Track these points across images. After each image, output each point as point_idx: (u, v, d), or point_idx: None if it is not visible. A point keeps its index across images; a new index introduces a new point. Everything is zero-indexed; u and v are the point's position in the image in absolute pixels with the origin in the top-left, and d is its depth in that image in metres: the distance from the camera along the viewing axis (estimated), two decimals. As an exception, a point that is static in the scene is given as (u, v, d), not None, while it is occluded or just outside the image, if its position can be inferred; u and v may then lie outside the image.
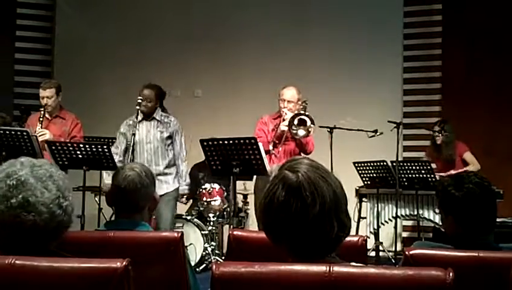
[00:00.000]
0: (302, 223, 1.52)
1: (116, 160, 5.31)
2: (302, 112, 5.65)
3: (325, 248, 1.56)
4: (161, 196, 5.31)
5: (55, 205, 1.68)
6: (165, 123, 5.54)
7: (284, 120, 5.68)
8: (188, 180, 5.71)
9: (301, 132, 5.61)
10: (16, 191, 1.66)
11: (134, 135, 5.42)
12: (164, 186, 5.43)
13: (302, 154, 5.77)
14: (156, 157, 5.49)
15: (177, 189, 5.58)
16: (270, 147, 5.66)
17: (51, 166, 1.76)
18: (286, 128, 5.64)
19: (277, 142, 5.71)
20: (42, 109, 5.66)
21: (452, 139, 6.73)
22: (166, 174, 5.50)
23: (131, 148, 5.42)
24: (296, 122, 5.59)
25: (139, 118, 5.51)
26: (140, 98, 5.46)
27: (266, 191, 1.58)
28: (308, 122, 5.57)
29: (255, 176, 5.83)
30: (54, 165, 1.80)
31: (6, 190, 1.66)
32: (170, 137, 5.54)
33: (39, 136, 5.44)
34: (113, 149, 5.46)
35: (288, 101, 5.74)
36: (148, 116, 5.54)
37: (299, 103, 5.76)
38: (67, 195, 1.74)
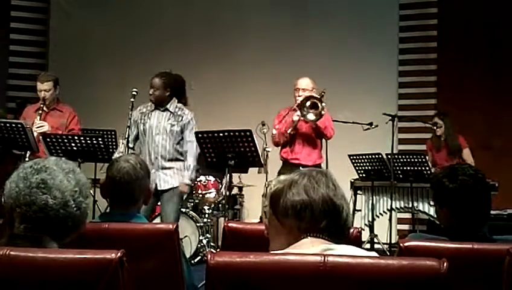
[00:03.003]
0: (332, 198, 1.68)
1: (123, 144, 5.30)
2: (316, 95, 5.65)
3: (344, 231, 1.71)
4: (165, 191, 5.27)
5: (70, 196, 1.73)
6: (178, 116, 5.32)
7: (297, 106, 5.69)
8: (194, 175, 5.41)
9: (310, 116, 5.61)
10: (38, 174, 1.73)
11: (144, 124, 5.33)
12: (169, 180, 5.27)
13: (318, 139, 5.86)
14: (163, 150, 5.29)
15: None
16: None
17: (76, 166, 1.83)
18: (297, 118, 5.66)
19: (292, 133, 5.73)
20: (42, 102, 5.63)
21: (453, 131, 6.76)
22: (171, 168, 5.29)
23: (141, 137, 5.35)
24: (308, 104, 5.60)
25: (150, 107, 5.37)
26: (135, 89, 5.41)
27: (284, 180, 1.74)
28: (319, 106, 5.57)
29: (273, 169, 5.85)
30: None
31: (29, 172, 1.74)
32: (182, 131, 5.33)
33: (37, 128, 5.44)
34: (124, 136, 5.37)
35: (303, 89, 5.75)
36: (160, 106, 5.36)
37: (314, 92, 5.76)
38: (85, 194, 1.79)
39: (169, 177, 5.29)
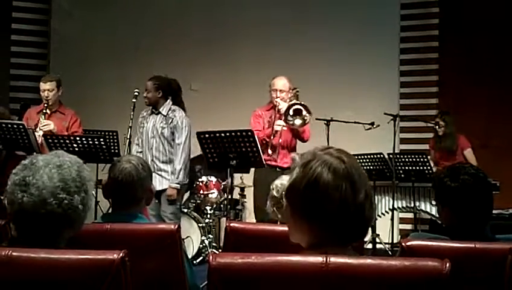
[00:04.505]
0: (350, 205, 1.53)
1: (135, 151, 5.45)
2: (297, 101, 5.67)
3: (361, 233, 1.60)
4: (162, 192, 5.33)
5: (49, 192, 1.67)
6: (169, 118, 5.42)
7: (278, 111, 5.70)
8: (181, 178, 5.37)
9: (298, 122, 5.65)
10: (22, 171, 1.69)
11: (143, 128, 5.50)
12: (164, 182, 5.36)
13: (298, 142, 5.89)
14: (157, 152, 5.42)
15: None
16: (270, 152, 5.69)
17: (73, 160, 1.77)
18: (280, 128, 5.70)
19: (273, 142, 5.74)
20: (45, 102, 5.66)
21: (452, 131, 6.74)
22: (166, 170, 5.40)
23: (140, 141, 5.52)
24: (291, 112, 5.62)
25: (149, 111, 5.52)
26: (137, 90, 5.48)
27: (304, 172, 1.55)
28: (304, 112, 5.60)
29: (252, 169, 5.85)
30: (81, 164, 1.80)
31: (18, 168, 1.71)
32: (173, 133, 5.40)
33: (43, 126, 5.49)
34: (135, 141, 5.56)
35: (280, 91, 5.78)
36: (155, 109, 5.49)
37: (291, 91, 5.81)
38: (73, 191, 1.70)
39: (164, 179, 5.38)
